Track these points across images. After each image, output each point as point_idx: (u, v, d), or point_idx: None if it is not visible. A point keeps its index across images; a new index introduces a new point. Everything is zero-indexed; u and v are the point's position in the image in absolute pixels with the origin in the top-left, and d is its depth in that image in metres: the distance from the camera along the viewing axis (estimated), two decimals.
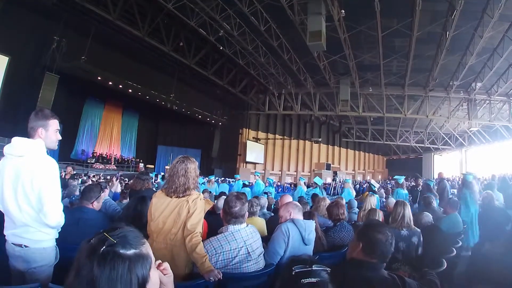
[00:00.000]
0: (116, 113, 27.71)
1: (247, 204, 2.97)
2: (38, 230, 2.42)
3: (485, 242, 4.39)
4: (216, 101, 28.33)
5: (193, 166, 2.94)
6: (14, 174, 2.39)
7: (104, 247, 1.05)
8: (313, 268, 1.51)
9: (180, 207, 2.77)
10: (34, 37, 17.55)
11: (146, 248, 1.17)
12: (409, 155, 42.01)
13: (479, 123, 27.23)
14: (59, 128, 2.63)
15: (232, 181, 19.00)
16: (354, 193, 12.74)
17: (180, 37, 20.38)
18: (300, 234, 3.18)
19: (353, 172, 42.07)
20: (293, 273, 1.51)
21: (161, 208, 2.83)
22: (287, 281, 1.54)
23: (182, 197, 2.83)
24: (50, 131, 2.55)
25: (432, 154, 38.14)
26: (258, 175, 15.09)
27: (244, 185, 14.84)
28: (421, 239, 3.82)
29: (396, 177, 10.78)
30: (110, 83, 20.25)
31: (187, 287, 2.56)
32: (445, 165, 35.87)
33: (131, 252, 1.09)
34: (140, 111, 28.55)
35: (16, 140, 2.44)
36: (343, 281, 1.96)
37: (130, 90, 21.49)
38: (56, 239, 2.58)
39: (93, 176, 16.01)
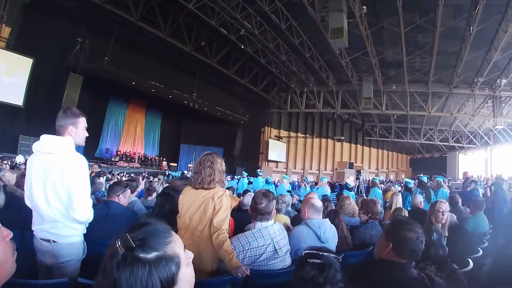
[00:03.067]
0: (139, 112, 28.06)
1: (274, 201, 2.96)
2: (67, 225, 2.46)
3: (511, 243, 4.28)
4: (237, 99, 28.22)
5: (219, 160, 2.97)
6: (43, 171, 2.42)
7: (123, 251, 1.03)
8: (322, 253, 1.63)
9: (206, 204, 2.78)
10: (58, 39, 17.89)
11: (173, 248, 1.11)
12: (433, 154, 40.98)
13: (505, 121, 26.57)
14: (86, 125, 2.67)
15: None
16: (329, 191, 12.93)
17: (202, 36, 20.54)
18: (315, 233, 3.18)
19: (376, 171, 41.25)
20: (303, 253, 1.69)
21: (188, 205, 2.85)
22: (298, 262, 1.72)
23: (207, 188, 2.84)
24: (80, 129, 2.59)
25: (457, 153, 37.11)
26: (260, 174, 15.21)
27: (250, 182, 15.13)
28: (435, 237, 3.74)
29: (374, 178, 11.78)
30: (133, 83, 20.53)
31: (214, 283, 2.57)
32: (470, 164, 35.01)
33: (152, 255, 1.04)
34: (163, 110, 28.79)
35: (44, 137, 2.48)
36: (370, 282, 1.96)
37: (153, 90, 21.71)
38: (84, 234, 2.62)
39: (118, 174, 16.19)
